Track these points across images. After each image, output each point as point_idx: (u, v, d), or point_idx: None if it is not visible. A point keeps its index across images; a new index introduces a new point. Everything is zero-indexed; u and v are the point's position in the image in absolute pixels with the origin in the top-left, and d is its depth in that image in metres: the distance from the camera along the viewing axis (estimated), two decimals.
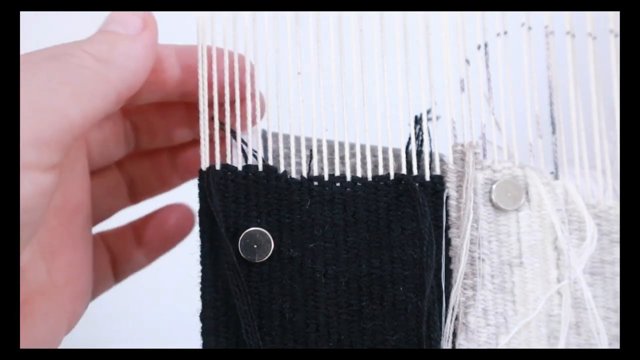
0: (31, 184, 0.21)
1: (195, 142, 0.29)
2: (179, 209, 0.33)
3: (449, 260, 0.26)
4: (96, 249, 0.31)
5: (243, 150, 0.27)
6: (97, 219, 0.32)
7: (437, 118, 0.28)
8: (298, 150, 0.27)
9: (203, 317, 0.26)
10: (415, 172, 0.27)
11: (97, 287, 0.31)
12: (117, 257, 0.33)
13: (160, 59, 0.28)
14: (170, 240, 0.33)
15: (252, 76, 0.27)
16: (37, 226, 0.22)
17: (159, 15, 0.27)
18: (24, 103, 0.22)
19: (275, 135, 0.27)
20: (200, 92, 0.27)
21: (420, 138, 0.27)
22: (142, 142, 0.32)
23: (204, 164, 0.27)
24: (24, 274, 0.25)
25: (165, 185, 0.34)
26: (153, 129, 0.32)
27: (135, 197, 0.34)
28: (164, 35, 0.27)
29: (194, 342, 0.27)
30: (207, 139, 0.26)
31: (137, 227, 0.33)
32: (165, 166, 0.33)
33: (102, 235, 0.33)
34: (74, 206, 0.27)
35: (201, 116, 0.27)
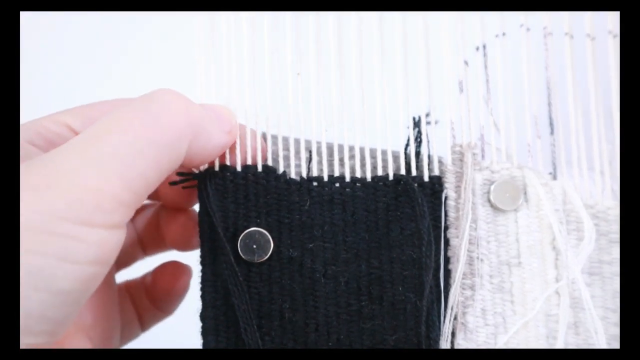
0: (100, 242, 0.22)
1: None
2: (172, 267, 0.33)
3: (447, 260, 0.27)
4: (121, 296, 0.32)
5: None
6: (119, 266, 0.33)
7: (436, 122, 0.28)
8: (297, 152, 0.27)
9: (203, 317, 0.26)
10: (414, 172, 0.27)
11: (124, 333, 0.31)
12: (139, 307, 0.33)
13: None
14: (174, 298, 0.33)
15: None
16: (102, 277, 0.23)
17: (159, 15, 0.27)
18: (112, 159, 0.22)
19: (274, 137, 0.28)
20: (200, 84, 0.27)
21: (419, 139, 0.27)
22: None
23: (203, 165, 0.27)
24: None
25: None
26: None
27: (145, 250, 0.34)
28: (164, 35, 0.27)
29: (194, 342, 0.27)
30: None
31: (145, 284, 0.33)
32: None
33: (127, 285, 0.33)
34: None
35: None
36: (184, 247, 0.32)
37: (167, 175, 0.24)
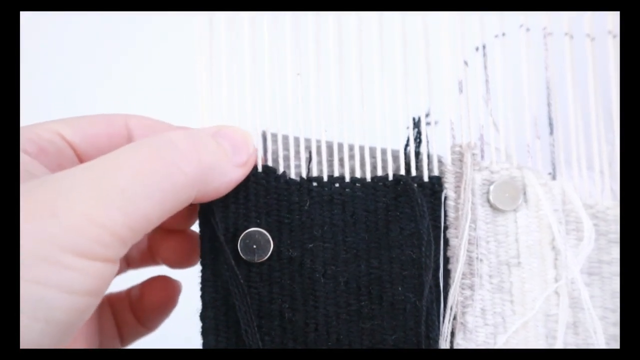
0: (97, 274, 0.22)
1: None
2: (161, 282, 0.32)
3: (447, 260, 0.27)
4: (102, 310, 0.31)
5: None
6: None
7: (435, 122, 0.28)
8: (297, 152, 0.27)
9: (203, 317, 0.26)
10: (413, 173, 0.27)
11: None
12: (121, 322, 0.32)
13: None
14: (161, 314, 0.32)
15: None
16: (95, 307, 0.23)
17: (159, 15, 0.27)
18: (115, 194, 0.22)
19: (274, 136, 0.28)
20: (200, 84, 0.27)
21: (419, 139, 0.27)
22: None
23: None
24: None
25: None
26: None
27: (130, 264, 0.33)
28: (164, 35, 0.27)
29: (194, 342, 0.27)
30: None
31: (130, 297, 0.33)
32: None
33: (109, 298, 0.32)
34: None
35: (202, 115, 0.27)
36: (180, 265, 0.31)
37: (171, 215, 0.24)
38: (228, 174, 0.25)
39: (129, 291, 0.33)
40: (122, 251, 0.22)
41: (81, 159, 0.27)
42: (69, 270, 0.21)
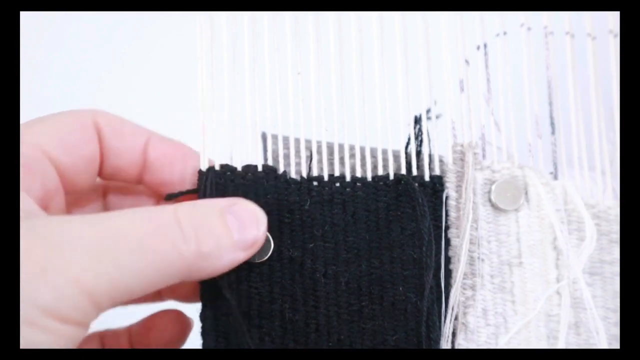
0: (68, 336, 0.21)
1: None
2: (173, 316, 0.30)
3: (448, 260, 0.27)
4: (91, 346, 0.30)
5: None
6: None
7: (437, 117, 0.28)
8: (298, 151, 0.27)
9: (203, 317, 0.26)
10: (414, 172, 0.27)
11: None
12: None
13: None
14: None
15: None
16: None
17: (159, 15, 0.27)
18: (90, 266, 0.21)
19: (274, 137, 0.27)
20: (200, 84, 0.27)
21: (420, 138, 0.27)
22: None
23: (204, 165, 0.27)
24: None
25: None
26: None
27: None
28: (164, 35, 0.27)
29: (194, 342, 0.27)
30: (206, 139, 0.27)
31: (133, 334, 0.31)
32: None
33: (101, 336, 0.31)
34: None
35: (201, 115, 0.27)
36: (193, 298, 0.29)
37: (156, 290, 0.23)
38: (228, 258, 0.24)
39: (128, 329, 0.31)
40: (96, 317, 0.22)
41: (61, 173, 0.26)
42: (43, 333, 0.21)
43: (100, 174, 0.28)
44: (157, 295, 0.31)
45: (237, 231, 0.24)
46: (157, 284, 0.23)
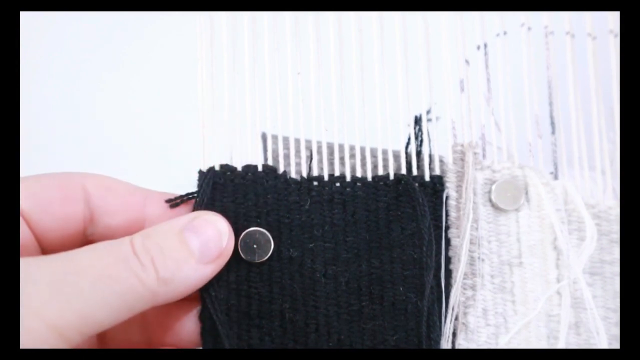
0: None
1: None
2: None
3: (448, 260, 0.27)
4: None
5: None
6: None
7: (437, 119, 0.28)
8: (298, 151, 0.27)
9: (203, 317, 0.26)
10: (415, 172, 0.27)
11: None
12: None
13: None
14: None
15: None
16: None
17: (159, 15, 0.27)
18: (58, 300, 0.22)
19: (274, 137, 0.27)
20: (200, 84, 0.27)
21: (420, 138, 0.27)
22: None
23: (204, 165, 0.27)
24: None
25: None
26: None
27: None
28: (164, 35, 0.27)
29: None
30: (207, 139, 0.27)
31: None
32: None
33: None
34: None
35: (201, 115, 0.27)
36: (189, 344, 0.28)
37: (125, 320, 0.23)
38: (195, 277, 0.24)
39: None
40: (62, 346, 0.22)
41: (33, 231, 0.26)
42: None
43: (90, 234, 0.27)
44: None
45: (197, 248, 0.24)
46: (125, 313, 0.23)
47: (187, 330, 0.27)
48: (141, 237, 0.24)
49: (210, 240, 0.25)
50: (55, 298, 0.21)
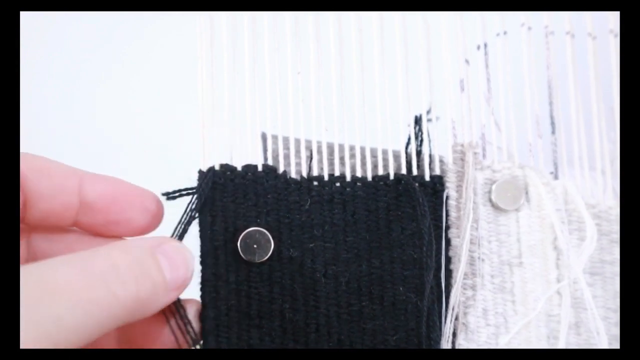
0: None
1: None
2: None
3: (448, 260, 0.27)
4: None
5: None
6: None
7: (437, 119, 0.28)
8: (298, 151, 0.27)
9: (203, 317, 0.26)
10: (415, 172, 0.27)
11: None
12: None
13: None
14: None
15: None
16: None
17: (159, 15, 0.27)
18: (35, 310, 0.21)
19: (274, 137, 0.27)
20: (200, 84, 0.27)
21: (420, 138, 0.27)
22: None
23: (204, 164, 0.27)
24: None
25: None
26: None
27: None
28: (164, 35, 0.27)
29: None
30: (207, 138, 0.27)
31: None
32: None
33: None
34: None
35: (201, 115, 0.27)
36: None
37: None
38: (163, 301, 0.24)
39: None
40: None
41: None
42: None
43: (27, 219, 0.26)
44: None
45: (168, 272, 0.24)
46: (97, 334, 0.22)
47: (161, 343, 0.26)
48: (120, 248, 0.23)
49: (178, 266, 0.24)
50: (30, 323, 0.20)
